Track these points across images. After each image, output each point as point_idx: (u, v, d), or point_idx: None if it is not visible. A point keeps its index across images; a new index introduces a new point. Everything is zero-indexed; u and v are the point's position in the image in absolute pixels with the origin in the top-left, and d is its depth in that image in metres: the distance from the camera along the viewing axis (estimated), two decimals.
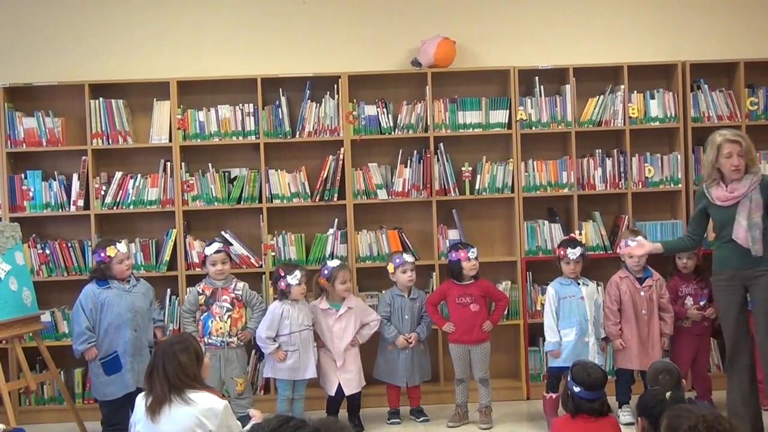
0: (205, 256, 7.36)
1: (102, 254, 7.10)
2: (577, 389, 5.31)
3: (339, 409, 7.40)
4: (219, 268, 7.32)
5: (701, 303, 7.54)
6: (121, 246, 7.16)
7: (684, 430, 3.96)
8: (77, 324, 7.06)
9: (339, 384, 7.29)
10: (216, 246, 7.40)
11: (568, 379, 5.42)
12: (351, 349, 7.36)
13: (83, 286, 7.16)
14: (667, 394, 4.87)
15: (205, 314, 7.28)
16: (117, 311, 7.02)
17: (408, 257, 7.53)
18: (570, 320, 7.23)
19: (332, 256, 7.83)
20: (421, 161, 7.97)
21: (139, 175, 7.93)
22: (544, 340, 7.56)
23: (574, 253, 7.25)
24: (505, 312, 7.69)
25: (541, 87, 8.04)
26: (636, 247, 6.98)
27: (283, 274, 7.24)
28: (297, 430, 4.05)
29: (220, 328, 7.23)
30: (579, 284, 7.29)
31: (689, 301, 7.54)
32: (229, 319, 7.26)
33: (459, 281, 7.41)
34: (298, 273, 7.22)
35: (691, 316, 7.48)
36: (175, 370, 4.88)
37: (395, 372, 7.49)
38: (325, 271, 7.42)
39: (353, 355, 7.38)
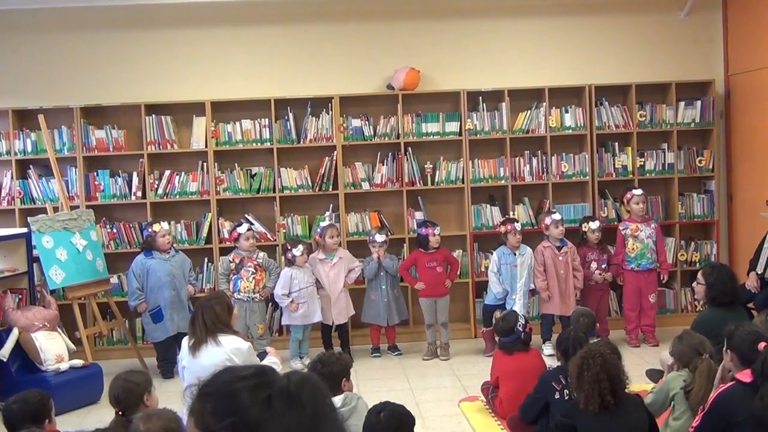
0: (239, 234, 7.30)
1: (149, 230, 7.17)
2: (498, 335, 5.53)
3: (332, 341, 7.42)
4: (252, 242, 7.30)
5: (603, 266, 7.56)
6: (164, 224, 7.20)
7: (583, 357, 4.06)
8: (130, 285, 7.15)
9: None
10: (246, 225, 7.38)
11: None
12: (342, 291, 7.37)
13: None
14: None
15: (236, 276, 7.25)
16: (158, 275, 7.05)
17: (378, 237, 7.47)
18: (503, 281, 7.32)
19: None
20: (395, 161, 7.94)
21: (183, 173, 7.88)
22: (486, 293, 7.59)
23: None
24: (458, 273, 7.70)
25: (484, 104, 8.01)
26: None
27: (290, 248, 7.23)
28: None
29: (247, 287, 7.21)
30: (515, 254, 7.30)
31: (594, 265, 7.54)
32: (254, 280, 7.24)
33: (426, 250, 7.39)
34: (300, 246, 7.22)
35: (596, 280, 7.52)
36: (211, 318, 4.88)
37: (378, 314, 7.46)
38: (318, 230, 7.44)
39: (343, 296, 7.39)
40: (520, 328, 5.47)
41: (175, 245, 7.42)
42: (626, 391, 4.14)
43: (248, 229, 7.35)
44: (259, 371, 1.84)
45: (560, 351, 4.92)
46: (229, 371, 1.85)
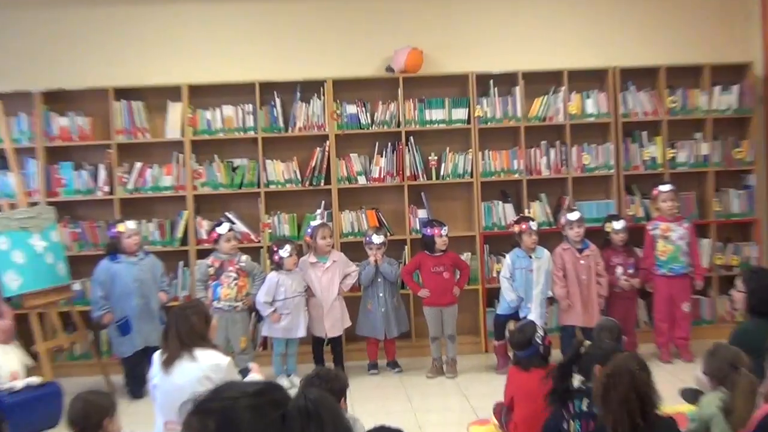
0: (218, 235, 7.21)
1: (114, 230, 7.13)
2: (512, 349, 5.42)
3: (323, 356, 7.35)
4: (233, 244, 7.21)
5: (629, 271, 7.47)
6: (131, 223, 7.14)
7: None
8: (93, 294, 7.10)
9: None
10: (227, 225, 7.29)
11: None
12: (337, 299, 7.28)
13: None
14: (582, 348, 4.81)
15: (215, 283, 7.15)
16: (125, 281, 6.99)
17: (376, 239, 7.38)
18: (517, 288, 7.24)
19: None
20: (395, 152, 7.87)
21: (155, 165, 7.83)
22: (498, 301, 7.50)
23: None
24: (468, 279, 7.59)
25: (495, 89, 7.94)
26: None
27: (276, 249, 7.14)
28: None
29: (228, 294, 7.12)
30: (531, 258, 7.22)
31: (619, 269, 7.44)
32: (235, 287, 7.15)
33: (431, 253, 7.29)
34: (288, 247, 7.12)
35: (622, 286, 7.42)
36: (186, 330, 4.77)
37: (375, 327, 7.38)
38: (309, 230, 7.36)
39: (338, 305, 7.29)
40: (539, 341, 5.37)
41: (145, 247, 7.35)
42: (658, 412, 4.04)
43: (229, 229, 7.26)
44: (267, 388, 1.89)
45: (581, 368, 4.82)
46: (234, 386, 1.89)
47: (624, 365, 4.06)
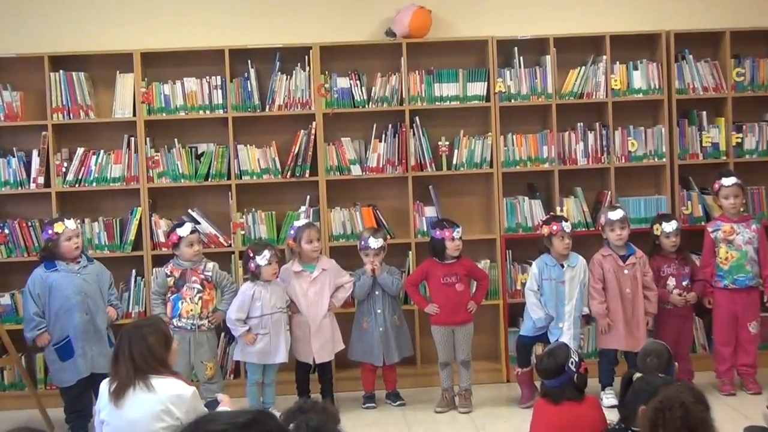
0: (179, 238, 7.25)
1: (50, 231, 7.03)
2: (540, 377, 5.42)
3: (309, 385, 7.42)
4: (197, 249, 7.26)
5: (684, 283, 7.52)
6: (70, 223, 7.06)
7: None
8: (26, 310, 7.05)
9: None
10: (190, 226, 7.34)
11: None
12: (327, 316, 7.36)
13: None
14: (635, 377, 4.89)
15: (175, 296, 7.21)
16: (65, 294, 6.94)
17: (373, 242, 7.46)
18: (546, 304, 7.31)
19: None
20: (396, 135, 7.93)
21: (102, 152, 7.85)
22: (522, 320, 7.57)
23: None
24: (487, 292, 7.68)
25: (521, 58, 7.99)
26: None
27: (252, 255, 7.19)
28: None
29: (191, 310, 7.16)
30: (563, 266, 7.30)
31: (671, 282, 7.51)
32: (200, 301, 7.19)
33: (441, 260, 7.37)
34: (266, 253, 7.15)
35: (674, 302, 7.49)
36: (141, 353, 4.85)
37: (371, 350, 7.45)
38: (292, 232, 7.42)
39: (328, 322, 7.36)
40: (572, 367, 5.43)
41: (88, 252, 7.38)
42: None
43: (192, 231, 7.32)
44: (258, 417, 1.96)
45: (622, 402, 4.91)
46: (218, 418, 1.93)
47: (676, 397, 4.13)
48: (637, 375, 4.89)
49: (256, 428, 1.88)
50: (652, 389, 4.67)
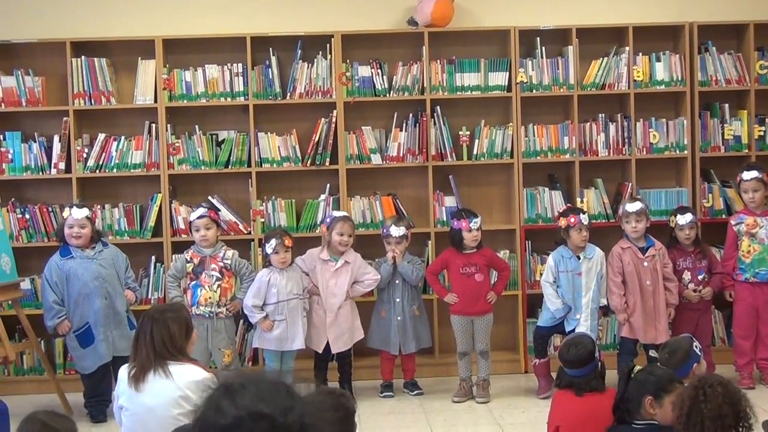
0: (190, 222, 7.30)
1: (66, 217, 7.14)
2: (565, 368, 5.32)
3: (327, 374, 7.40)
4: (202, 234, 7.22)
5: (699, 277, 7.49)
6: (75, 211, 7.08)
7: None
8: (45, 299, 7.12)
9: (327, 342, 7.31)
10: (200, 211, 7.30)
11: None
12: (345, 304, 7.34)
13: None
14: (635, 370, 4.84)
15: (194, 283, 7.21)
16: (83, 281, 7.00)
17: (394, 230, 7.43)
18: (563, 295, 7.31)
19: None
20: (417, 125, 7.93)
21: (122, 137, 7.86)
22: (541, 311, 7.56)
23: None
24: (507, 283, 7.67)
25: (543, 48, 7.98)
26: None
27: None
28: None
29: (209, 298, 7.16)
30: (580, 258, 7.28)
31: (687, 275, 7.47)
32: (219, 289, 7.19)
33: (461, 250, 7.36)
34: (273, 242, 7.15)
35: (689, 297, 7.45)
36: (162, 339, 4.85)
37: (388, 338, 7.46)
38: (328, 219, 7.45)
39: (346, 312, 7.35)
40: (599, 357, 5.38)
41: (106, 237, 7.41)
42: None
43: (201, 216, 7.24)
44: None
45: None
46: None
47: (713, 376, 4.13)
48: (638, 368, 4.84)
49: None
50: (655, 378, 4.65)
